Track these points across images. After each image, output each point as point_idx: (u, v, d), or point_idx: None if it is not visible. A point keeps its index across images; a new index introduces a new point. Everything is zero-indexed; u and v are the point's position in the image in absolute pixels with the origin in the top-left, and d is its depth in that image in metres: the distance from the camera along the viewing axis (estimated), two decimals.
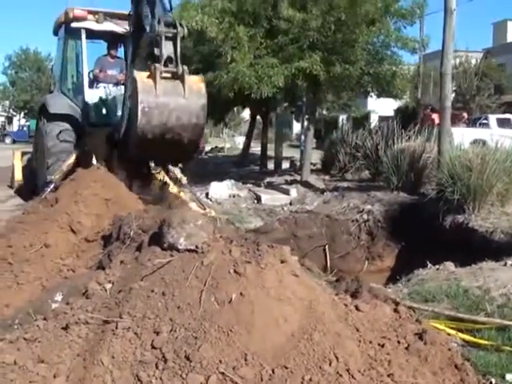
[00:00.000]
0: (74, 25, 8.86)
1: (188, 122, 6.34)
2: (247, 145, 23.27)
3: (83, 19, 8.79)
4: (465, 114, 24.20)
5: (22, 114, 54.02)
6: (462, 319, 4.33)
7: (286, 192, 12.78)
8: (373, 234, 9.50)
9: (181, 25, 6.33)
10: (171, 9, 6.74)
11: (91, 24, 8.84)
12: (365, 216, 9.69)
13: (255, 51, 11.76)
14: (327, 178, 14.55)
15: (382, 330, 3.32)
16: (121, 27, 8.57)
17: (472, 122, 22.57)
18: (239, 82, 11.38)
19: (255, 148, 23.88)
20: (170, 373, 2.66)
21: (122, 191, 5.64)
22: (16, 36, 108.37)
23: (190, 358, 2.68)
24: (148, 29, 6.43)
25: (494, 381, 3.50)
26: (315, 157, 16.68)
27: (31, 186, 9.23)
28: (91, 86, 8.95)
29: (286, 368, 2.73)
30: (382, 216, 9.61)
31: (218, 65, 12.07)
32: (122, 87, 8.06)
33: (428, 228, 8.44)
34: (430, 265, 6.25)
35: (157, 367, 2.70)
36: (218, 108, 18.56)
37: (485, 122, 21.65)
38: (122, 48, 9.27)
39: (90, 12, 8.84)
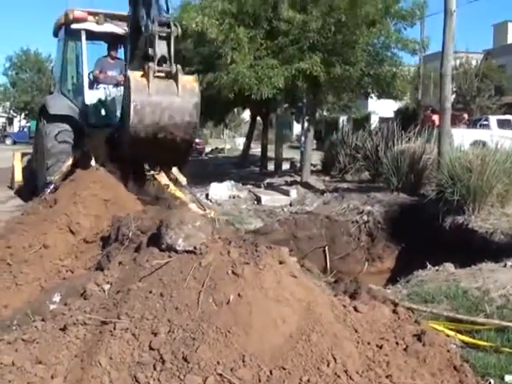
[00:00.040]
0: (74, 26, 8.87)
1: (181, 121, 6.34)
2: (247, 146, 23.28)
3: (83, 20, 8.80)
4: (465, 115, 24.19)
5: (23, 115, 54.05)
6: (460, 320, 4.32)
7: (286, 193, 12.78)
8: (373, 235, 9.48)
9: (175, 25, 6.34)
10: (168, 10, 6.76)
11: (91, 25, 8.85)
12: (365, 217, 9.67)
13: (255, 52, 11.77)
14: (327, 179, 14.54)
15: (381, 331, 3.32)
16: (121, 28, 8.58)
17: (472, 123, 22.55)
18: (239, 83, 11.38)
19: (255, 149, 23.90)
20: (167, 374, 2.66)
21: (121, 192, 5.65)
22: (17, 37, 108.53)
23: (187, 359, 2.68)
24: (143, 29, 6.46)
25: (492, 382, 3.49)
26: (315, 158, 16.68)
27: (31, 187, 9.23)
28: (91, 87, 8.95)
29: (284, 369, 2.72)
30: (381, 217, 9.59)
31: (218, 66, 12.08)
32: (122, 88, 8.06)
33: (428, 229, 8.43)
34: (429, 266, 6.24)
35: (154, 368, 2.70)
36: (218, 109, 18.60)
37: (485, 123, 21.64)
38: (122, 49, 9.29)
39: (90, 13, 8.85)
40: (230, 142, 38.81)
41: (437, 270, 6.05)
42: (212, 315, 2.85)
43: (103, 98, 8.65)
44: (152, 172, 7.16)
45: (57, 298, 3.60)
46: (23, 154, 11.30)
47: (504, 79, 30.36)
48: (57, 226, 4.68)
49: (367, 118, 31.88)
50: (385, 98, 15.44)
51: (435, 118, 17.48)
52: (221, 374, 2.62)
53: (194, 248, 3.16)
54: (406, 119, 19.94)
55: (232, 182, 13.32)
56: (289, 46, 11.72)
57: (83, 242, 4.63)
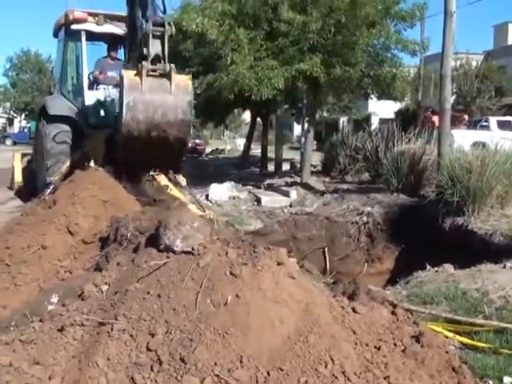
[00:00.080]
0: (74, 27, 8.87)
1: (174, 119, 6.35)
2: (247, 147, 23.30)
3: (83, 21, 8.81)
4: (465, 116, 24.21)
5: (23, 116, 54.08)
6: (459, 321, 4.31)
7: (286, 194, 12.78)
8: (372, 236, 9.48)
9: (169, 24, 6.36)
10: (165, 11, 6.79)
11: (91, 26, 8.85)
12: (364, 218, 9.67)
13: (255, 53, 11.77)
14: (327, 179, 14.54)
15: (379, 332, 3.31)
16: (121, 29, 8.58)
17: (473, 124, 22.56)
18: (239, 84, 11.39)
19: (256, 150, 23.91)
20: (165, 375, 2.66)
21: (120, 193, 5.64)
22: (17, 38, 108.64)
23: (185, 360, 2.67)
24: (139, 29, 6.49)
25: (491, 383, 3.49)
26: (315, 159, 16.68)
27: (30, 188, 9.23)
28: (91, 87, 8.95)
29: (282, 370, 2.72)
30: (381, 218, 9.59)
31: (218, 67, 12.09)
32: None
33: (428, 230, 8.42)
34: (429, 267, 6.23)
35: (152, 369, 2.70)
36: (219, 110, 18.65)
37: (485, 124, 21.65)
38: (122, 50, 9.28)
39: (90, 14, 8.85)
40: (231, 142, 38.85)
41: (436, 271, 6.05)
42: (210, 316, 2.85)
43: (103, 99, 8.65)
44: (151, 173, 7.14)
45: (55, 298, 3.60)
46: (23, 155, 11.30)
47: (504, 80, 30.36)
48: (55, 226, 4.68)
49: (367, 118, 31.89)
50: (385, 98, 15.45)
51: (435, 119, 17.50)
52: (218, 375, 2.61)
53: (192, 249, 3.16)
54: (407, 120, 19.93)
55: (232, 182, 13.32)
56: (289, 47, 11.72)
57: (82, 243, 4.63)
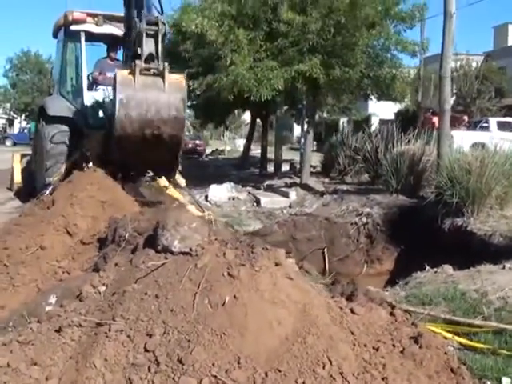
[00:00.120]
0: (73, 27, 8.86)
1: (168, 116, 6.34)
2: (247, 147, 23.30)
3: (82, 22, 8.80)
4: (465, 117, 24.20)
5: (23, 117, 54.08)
6: (458, 322, 4.31)
7: (286, 195, 12.78)
8: (372, 237, 9.48)
9: (163, 23, 6.38)
10: (162, 11, 6.80)
11: (91, 27, 8.84)
12: (364, 219, 9.67)
13: (255, 54, 11.78)
14: (327, 180, 14.53)
15: (377, 333, 3.31)
16: (120, 30, 8.56)
17: (473, 125, 22.55)
18: (239, 84, 11.39)
19: (256, 151, 23.92)
20: (162, 376, 2.65)
21: (119, 193, 5.64)
22: (17, 38, 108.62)
23: (182, 361, 2.67)
24: (133, 29, 6.52)
25: None
26: (315, 159, 16.67)
27: (30, 189, 9.22)
28: (90, 88, 8.95)
29: (279, 371, 2.71)
30: (381, 219, 9.59)
31: (218, 68, 12.09)
32: None
33: (427, 231, 8.42)
34: (428, 268, 6.23)
35: (149, 370, 2.69)
36: (218, 111, 18.65)
37: (485, 125, 21.64)
38: (122, 50, 9.27)
39: (89, 15, 8.84)
40: (231, 143, 38.87)
41: (435, 272, 6.04)
42: (207, 317, 2.85)
43: (102, 100, 8.64)
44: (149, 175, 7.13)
45: (53, 299, 3.60)
46: (22, 156, 11.30)
47: (504, 81, 30.35)
48: (54, 227, 4.68)
49: (367, 119, 31.90)
50: (384, 99, 15.45)
51: (435, 119, 17.48)
52: (215, 376, 2.61)
53: (190, 249, 3.16)
54: (406, 121, 19.93)
55: (231, 183, 13.32)
56: (288, 48, 11.72)
57: (80, 244, 4.62)
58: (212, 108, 17.74)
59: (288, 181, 14.97)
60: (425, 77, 23.31)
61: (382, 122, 26.71)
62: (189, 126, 53.47)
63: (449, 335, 4.10)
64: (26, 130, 46.53)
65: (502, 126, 20.87)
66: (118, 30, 8.65)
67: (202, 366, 2.64)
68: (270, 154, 19.30)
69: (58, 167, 8.06)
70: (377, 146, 13.33)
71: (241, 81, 11.28)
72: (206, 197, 12.33)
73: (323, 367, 2.77)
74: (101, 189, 5.32)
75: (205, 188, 12.83)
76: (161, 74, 6.33)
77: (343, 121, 32.93)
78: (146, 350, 2.76)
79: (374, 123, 29.09)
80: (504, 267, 5.83)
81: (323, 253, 9.07)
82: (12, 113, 55.17)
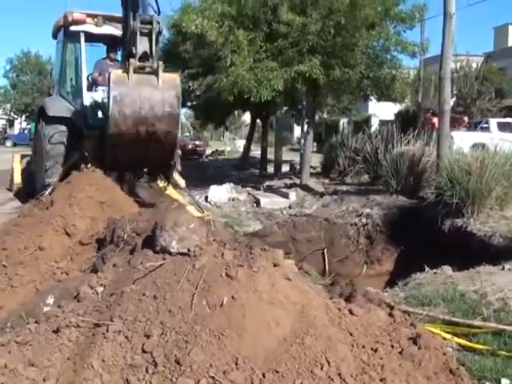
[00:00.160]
0: (72, 28, 8.86)
1: (162, 112, 6.35)
2: (247, 148, 23.30)
3: (82, 22, 8.79)
4: (465, 118, 24.19)
5: (23, 117, 54.10)
6: (457, 323, 4.30)
7: (286, 195, 12.77)
8: (371, 237, 9.48)
9: (157, 22, 6.40)
10: (159, 12, 6.83)
11: (90, 27, 8.84)
12: (364, 220, 9.67)
13: (255, 55, 11.77)
14: (327, 181, 14.53)
15: (376, 334, 3.30)
16: (120, 30, 8.56)
17: (473, 126, 22.54)
18: (239, 85, 11.38)
19: (256, 151, 23.91)
20: (159, 377, 2.65)
21: (118, 194, 5.63)
22: (17, 39, 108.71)
23: (180, 361, 2.66)
24: (128, 28, 6.55)
25: None
26: (315, 160, 16.67)
27: (29, 189, 9.21)
28: (90, 89, 8.95)
29: (277, 372, 2.71)
30: (380, 220, 9.59)
31: (218, 68, 12.08)
32: None
33: (427, 232, 8.42)
34: (427, 269, 6.22)
35: (147, 371, 2.68)
36: (218, 111, 18.65)
37: (485, 125, 21.63)
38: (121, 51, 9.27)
39: (89, 15, 8.83)
40: (231, 144, 38.87)
41: (435, 273, 6.03)
42: (205, 318, 2.84)
43: (102, 100, 8.64)
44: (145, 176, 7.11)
45: (51, 300, 3.59)
46: (22, 156, 11.29)
47: (504, 82, 30.35)
48: (52, 228, 4.67)
49: (367, 120, 31.89)
50: (384, 100, 15.44)
51: (435, 120, 17.47)
52: (213, 377, 2.60)
53: (188, 250, 3.15)
54: (407, 122, 19.92)
55: (231, 184, 13.31)
56: (288, 49, 11.71)
57: (79, 244, 4.61)
58: (212, 109, 17.74)
59: (288, 181, 14.96)
60: (425, 78, 23.31)
61: (382, 123, 26.69)
62: (189, 127, 53.54)
63: (448, 336, 4.09)
64: (26, 131, 46.54)
65: (503, 127, 20.86)
66: (117, 31, 8.65)
67: (200, 367, 2.64)
68: (270, 155, 19.30)
69: (58, 168, 8.05)
70: (377, 146, 13.33)
71: (241, 81, 11.27)
72: (206, 197, 12.33)
73: (321, 368, 2.77)
74: (99, 189, 5.31)
75: (205, 189, 12.83)
76: (155, 72, 6.34)
77: (343, 121, 32.91)
78: (144, 351, 2.75)
79: (374, 124, 29.09)
80: (503, 268, 5.82)
81: (323, 253, 9.07)
82: (12, 113, 55.18)
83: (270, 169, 18.96)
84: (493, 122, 21.73)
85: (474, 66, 30.39)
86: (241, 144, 32.59)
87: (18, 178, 10.66)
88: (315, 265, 8.63)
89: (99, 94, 8.78)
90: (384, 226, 9.47)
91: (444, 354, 3.37)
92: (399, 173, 10.95)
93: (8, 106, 53.76)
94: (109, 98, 6.28)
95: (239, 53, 11.51)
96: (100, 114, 8.47)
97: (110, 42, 9.12)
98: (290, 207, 11.92)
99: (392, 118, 28.61)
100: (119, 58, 9.33)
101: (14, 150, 25.46)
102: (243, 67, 11.33)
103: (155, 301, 2.97)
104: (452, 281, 5.55)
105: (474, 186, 8.15)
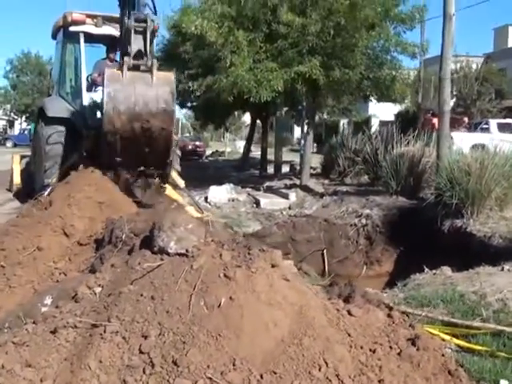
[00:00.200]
0: (72, 29, 8.86)
1: (156, 109, 6.36)
2: (247, 149, 23.30)
3: (82, 23, 8.80)
4: (465, 119, 24.19)
5: (24, 118, 54.11)
6: (456, 324, 4.28)
7: (285, 196, 12.76)
8: (371, 238, 9.47)
9: (152, 20, 6.43)
10: (156, 12, 6.86)
11: (90, 28, 8.85)
12: (363, 220, 9.66)
13: (254, 55, 11.76)
14: (326, 182, 14.52)
15: (374, 335, 3.29)
16: (119, 31, 8.57)
17: (473, 127, 22.54)
18: (238, 86, 11.37)
19: (256, 152, 23.91)
20: (157, 378, 2.64)
21: (116, 194, 5.63)
22: (17, 40, 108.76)
23: (177, 362, 2.65)
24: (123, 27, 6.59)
25: None
26: (315, 161, 16.66)
27: (29, 190, 9.21)
28: (90, 89, 8.95)
29: (275, 373, 2.70)
30: (380, 220, 9.58)
31: (218, 69, 12.08)
32: None
33: (426, 233, 8.41)
34: (426, 269, 6.21)
35: (144, 372, 2.68)
36: (218, 112, 18.65)
37: (485, 126, 21.63)
38: None
39: (88, 16, 8.84)
40: (231, 144, 38.89)
41: (434, 274, 6.02)
42: (203, 318, 2.83)
43: (100, 101, 8.63)
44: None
45: (48, 300, 3.58)
46: (22, 157, 11.29)
47: (504, 83, 30.34)
48: (51, 228, 4.66)
49: (368, 121, 31.88)
50: (384, 101, 15.44)
51: (435, 121, 17.46)
52: (210, 378, 2.59)
53: (186, 251, 3.14)
54: (407, 122, 19.92)
55: (231, 185, 13.30)
56: (288, 50, 11.70)
57: (77, 245, 4.61)
58: (212, 109, 17.75)
59: (288, 182, 14.95)
60: (425, 78, 23.31)
61: (382, 124, 26.69)
62: (189, 128, 53.55)
63: (447, 337, 4.08)
64: (26, 132, 46.51)
65: (503, 128, 20.86)
66: (117, 32, 8.62)
67: (197, 368, 2.63)
68: (270, 156, 19.30)
69: (57, 168, 8.05)
70: (376, 147, 13.31)
71: (240, 82, 11.27)
72: (206, 198, 12.32)
73: (319, 369, 2.76)
74: (98, 190, 5.30)
75: (204, 189, 12.82)
76: (149, 70, 6.37)
77: (343, 122, 32.92)
78: (141, 352, 2.75)
79: (375, 124, 29.09)
80: (503, 269, 5.81)
81: (322, 254, 9.06)
82: (12, 114, 55.20)
83: (270, 169, 18.96)
84: (493, 123, 21.73)
85: (474, 66, 30.41)
86: (241, 145, 32.60)
87: (17, 179, 10.66)
88: (315, 265, 8.63)
89: (99, 95, 8.76)
90: (384, 226, 9.46)
91: (443, 355, 3.36)
92: (399, 173, 10.94)
93: (8, 106, 53.79)
94: (103, 95, 6.30)
95: (239, 53, 11.50)
96: (99, 115, 8.45)
97: (110, 43, 9.12)
98: (289, 208, 11.92)
99: (392, 118, 28.61)
100: (119, 58, 9.34)
101: (15, 150, 25.47)
102: (243, 68, 11.33)
103: (153, 301, 2.97)
104: (451, 281, 5.54)
105: (473, 186, 8.14)
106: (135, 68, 6.42)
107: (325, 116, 30.82)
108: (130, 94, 6.24)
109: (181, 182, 8.60)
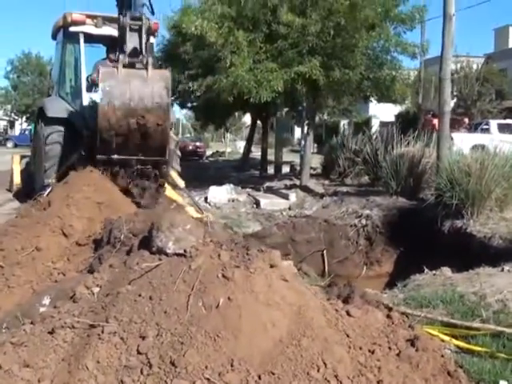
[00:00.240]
0: (72, 29, 8.85)
1: (151, 104, 6.36)
2: (248, 149, 23.29)
3: (82, 23, 8.79)
4: (466, 120, 24.19)
5: (24, 118, 54.11)
6: (456, 325, 4.27)
7: (285, 197, 12.75)
8: (371, 239, 9.47)
9: (147, 18, 6.46)
10: (153, 12, 6.88)
11: (90, 28, 8.83)
12: (363, 221, 9.66)
13: (254, 56, 11.75)
14: (327, 182, 14.51)
15: (373, 335, 3.28)
16: None
17: (473, 127, 22.53)
18: (238, 86, 11.37)
19: (256, 153, 23.92)
20: (154, 378, 2.63)
21: (115, 195, 5.62)
22: (18, 40, 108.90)
23: (175, 363, 2.64)
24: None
25: None
26: (315, 161, 16.66)
27: (28, 190, 9.20)
28: (89, 90, 8.92)
29: (273, 374, 2.69)
30: (380, 221, 9.58)
31: (218, 69, 12.07)
32: None
33: (426, 233, 8.40)
34: (426, 270, 6.20)
35: (141, 372, 2.67)
36: (219, 113, 18.66)
37: (486, 127, 21.61)
38: None
39: (88, 16, 8.82)
40: (231, 145, 38.91)
41: (434, 275, 6.01)
42: (201, 319, 2.82)
43: None
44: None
45: (46, 300, 3.58)
46: (22, 157, 11.29)
47: (505, 83, 30.34)
48: (50, 228, 4.65)
49: (368, 121, 31.87)
50: (384, 101, 15.42)
51: (436, 121, 17.45)
52: (208, 379, 2.58)
53: (184, 251, 3.13)
54: (407, 123, 19.92)
55: (231, 185, 13.29)
56: (288, 50, 11.69)
57: (76, 245, 4.60)
58: (212, 110, 17.74)
59: (288, 183, 14.95)
60: (425, 79, 23.32)
61: (383, 124, 26.70)
62: (189, 128, 53.55)
63: (446, 338, 4.07)
64: (27, 132, 46.51)
65: (503, 129, 20.85)
66: (117, 32, 8.64)
67: (195, 369, 2.62)
68: (271, 156, 19.30)
69: (56, 168, 8.04)
70: (377, 148, 13.31)
71: (240, 82, 11.26)
72: (206, 198, 12.31)
73: (318, 370, 2.75)
74: (97, 190, 5.29)
75: (204, 190, 12.81)
76: (145, 68, 6.40)
77: (344, 123, 32.92)
78: (139, 353, 2.74)
79: (375, 125, 29.09)
80: (503, 270, 5.80)
81: (322, 255, 9.06)
82: (13, 114, 55.20)
83: (270, 170, 18.95)
84: (493, 124, 21.72)
85: (475, 67, 30.40)
86: (241, 145, 32.61)
87: (17, 179, 10.65)
88: (315, 266, 8.62)
89: (98, 95, 8.75)
90: (384, 227, 9.46)
91: (442, 356, 3.36)
92: (399, 174, 10.94)
93: (9, 107, 53.79)
94: (98, 89, 6.33)
95: (239, 54, 11.50)
96: None
97: (110, 43, 9.06)
98: (289, 208, 11.91)
99: (392, 119, 28.61)
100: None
101: (15, 150, 25.48)
102: (243, 68, 11.32)
103: (151, 302, 2.96)
104: (451, 282, 5.53)
105: (473, 187, 8.13)
106: (131, 66, 6.43)
107: (325, 117, 30.83)
108: (126, 90, 6.25)
109: (181, 183, 8.59)
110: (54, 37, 9.90)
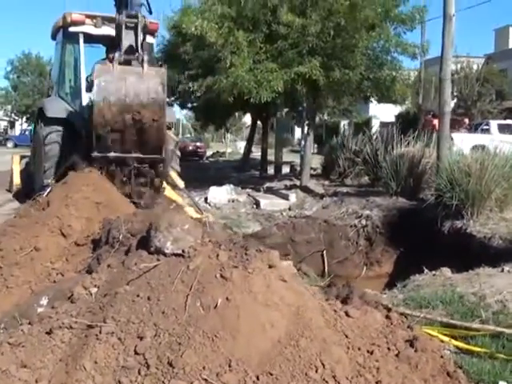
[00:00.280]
0: (71, 29, 8.86)
1: (147, 100, 6.36)
2: (248, 150, 23.29)
3: (81, 23, 8.79)
4: (466, 120, 24.18)
5: (24, 119, 54.16)
6: (455, 326, 4.26)
7: (285, 197, 12.74)
8: (371, 239, 9.45)
9: (143, 16, 6.48)
10: (151, 12, 6.90)
11: (89, 28, 8.84)
12: (363, 221, 9.64)
13: (254, 56, 11.75)
14: (327, 183, 14.50)
15: (372, 336, 3.27)
16: None
17: (473, 128, 22.52)
18: (238, 86, 11.36)
19: (256, 153, 23.91)
20: (152, 379, 2.62)
21: (114, 195, 5.60)
22: (18, 40, 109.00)
23: (173, 364, 2.63)
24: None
25: None
26: (316, 162, 16.65)
27: (28, 190, 9.20)
28: (89, 90, 8.90)
29: (271, 375, 2.68)
30: (380, 221, 9.56)
31: (218, 69, 12.07)
32: None
33: (426, 233, 8.39)
34: (426, 270, 6.19)
35: (139, 373, 2.66)
36: (219, 113, 18.65)
37: (486, 127, 21.61)
38: None
39: (88, 16, 8.83)
40: (231, 145, 38.92)
41: (434, 275, 6.00)
42: (199, 319, 2.81)
43: None
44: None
45: (44, 301, 3.56)
46: (22, 157, 11.29)
47: (505, 84, 30.34)
48: (48, 228, 4.64)
49: (368, 122, 31.86)
50: (384, 102, 15.41)
51: (436, 122, 17.43)
52: (206, 379, 2.57)
53: (183, 251, 3.12)
54: (407, 123, 19.89)
55: (231, 185, 13.28)
56: (288, 50, 11.69)
57: (74, 245, 4.58)
58: (212, 110, 17.74)
59: (288, 183, 14.94)
60: (425, 79, 23.30)
61: (383, 125, 26.69)
62: (190, 129, 53.54)
63: (446, 338, 4.06)
64: (27, 132, 46.51)
65: (503, 129, 20.84)
66: None
67: (193, 369, 2.61)
68: (271, 157, 19.29)
69: (56, 168, 8.04)
70: (377, 148, 13.29)
71: (240, 82, 11.25)
72: (206, 199, 12.31)
73: (316, 371, 2.74)
74: (96, 190, 5.28)
75: (204, 190, 12.81)
76: (140, 64, 6.42)
77: (344, 123, 32.91)
78: (137, 353, 2.73)
79: (375, 125, 29.08)
80: (503, 270, 5.79)
81: (322, 255, 9.04)
82: (13, 115, 55.24)
83: (271, 170, 18.95)
84: (493, 124, 21.71)
85: (475, 67, 30.40)
86: (242, 145, 32.60)
87: (17, 179, 10.66)
88: (314, 266, 8.61)
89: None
90: (384, 227, 9.45)
91: (441, 356, 3.34)
92: (399, 174, 10.92)
93: (9, 107, 53.85)
94: (94, 85, 6.33)
95: (239, 54, 11.49)
96: None
97: (110, 43, 9.04)
98: (289, 209, 11.90)
99: (393, 119, 28.59)
100: None
101: (15, 151, 25.46)
102: (243, 68, 11.31)
103: (149, 302, 2.95)
104: (451, 283, 5.52)
105: (473, 187, 8.12)
106: (126, 63, 6.44)
107: (325, 117, 30.82)
108: (121, 86, 6.25)
109: (180, 183, 8.59)
110: (54, 37, 9.90)
